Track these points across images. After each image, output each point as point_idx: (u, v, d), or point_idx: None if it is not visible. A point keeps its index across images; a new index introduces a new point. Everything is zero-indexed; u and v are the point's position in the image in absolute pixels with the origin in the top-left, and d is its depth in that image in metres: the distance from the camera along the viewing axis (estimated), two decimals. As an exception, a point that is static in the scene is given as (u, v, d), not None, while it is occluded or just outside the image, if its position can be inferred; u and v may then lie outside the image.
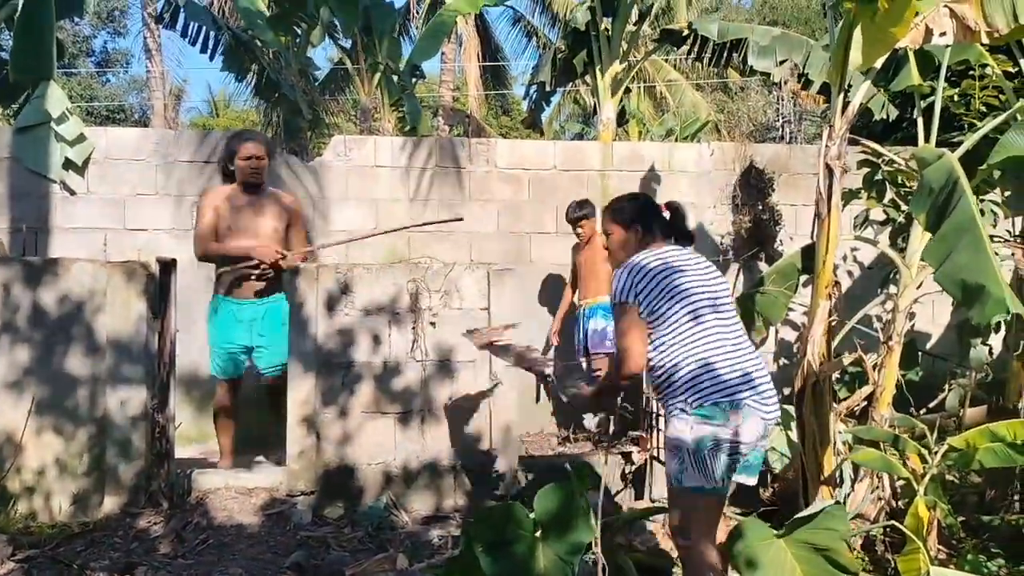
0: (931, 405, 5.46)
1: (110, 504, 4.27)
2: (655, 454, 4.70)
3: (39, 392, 4.25)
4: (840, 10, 3.85)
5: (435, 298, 4.58)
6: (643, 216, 3.30)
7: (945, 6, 3.86)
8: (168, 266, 4.28)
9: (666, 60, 19.21)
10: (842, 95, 3.94)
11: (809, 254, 4.29)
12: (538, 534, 2.97)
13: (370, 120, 10.09)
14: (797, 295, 5.04)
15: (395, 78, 10.25)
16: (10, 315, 4.23)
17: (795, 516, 3.09)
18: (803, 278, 4.92)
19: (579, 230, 6.28)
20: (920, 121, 4.36)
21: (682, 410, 2.95)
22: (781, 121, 18.87)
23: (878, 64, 3.94)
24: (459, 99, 19.87)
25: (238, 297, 4.74)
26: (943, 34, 3.83)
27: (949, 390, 5.42)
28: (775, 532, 3.11)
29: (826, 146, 3.95)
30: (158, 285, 4.27)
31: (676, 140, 14.55)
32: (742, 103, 24.03)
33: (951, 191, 3.31)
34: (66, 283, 4.28)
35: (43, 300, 4.27)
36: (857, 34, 3.82)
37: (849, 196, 5.09)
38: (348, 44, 10.29)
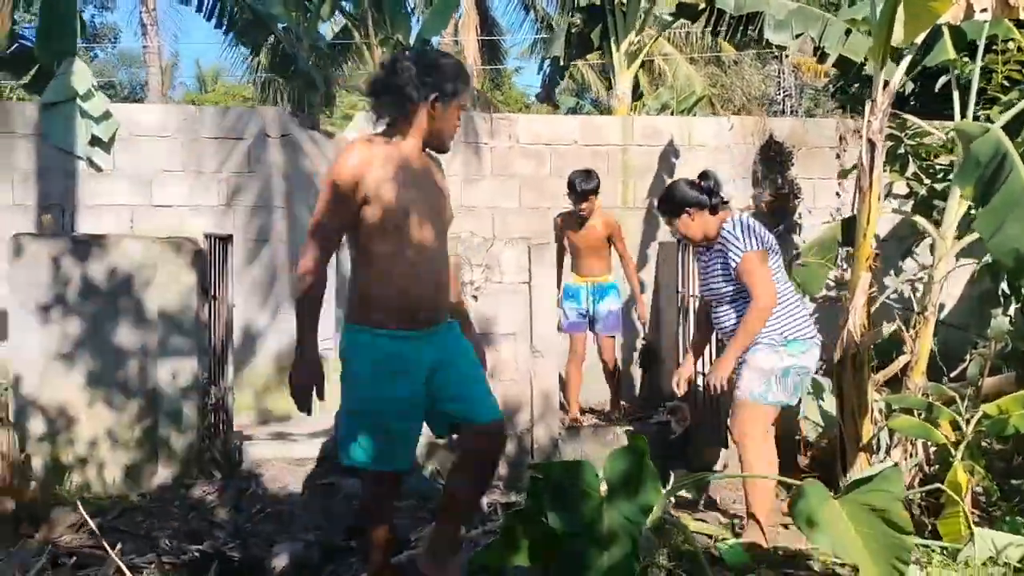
0: (952, 375, 5.58)
1: (163, 475, 4.36)
2: (695, 425, 4.81)
3: (91, 365, 4.31)
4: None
5: (476, 272, 4.65)
6: (693, 198, 3.78)
7: (987, -19, 3.93)
8: (225, 241, 4.32)
9: (653, 31, 19.24)
10: (884, 69, 4.01)
11: (849, 226, 4.38)
12: (604, 494, 3.06)
13: (381, 95, 10.07)
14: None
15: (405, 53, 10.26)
16: (60, 289, 4.28)
17: (853, 480, 3.19)
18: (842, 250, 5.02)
19: (585, 203, 5.72)
20: (956, 96, 4.43)
21: (771, 343, 3.62)
22: (782, 95, 18.98)
23: (919, 40, 4.01)
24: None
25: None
26: (984, 10, 3.91)
27: (970, 360, 5.54)
28: (832, 495, 3.21)
29: (868, 120, 4.03)
30: (214, 259, 4.31)
31: (672, 114, 14.59)
32: (736, 77, 24.05)
33: (1000, 164, 3.40)
34: (115, 258, 4.33)
35: (92, 275, 4.32)
36: (900, 10, 3.88)
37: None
38: (356, 18, 10.29)
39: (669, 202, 3.81)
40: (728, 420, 4.50)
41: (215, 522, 3.93)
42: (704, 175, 3.84)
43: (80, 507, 3.30)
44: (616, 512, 3.05)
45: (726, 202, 3.85)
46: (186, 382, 4.36)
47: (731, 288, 3.73)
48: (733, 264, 3.65)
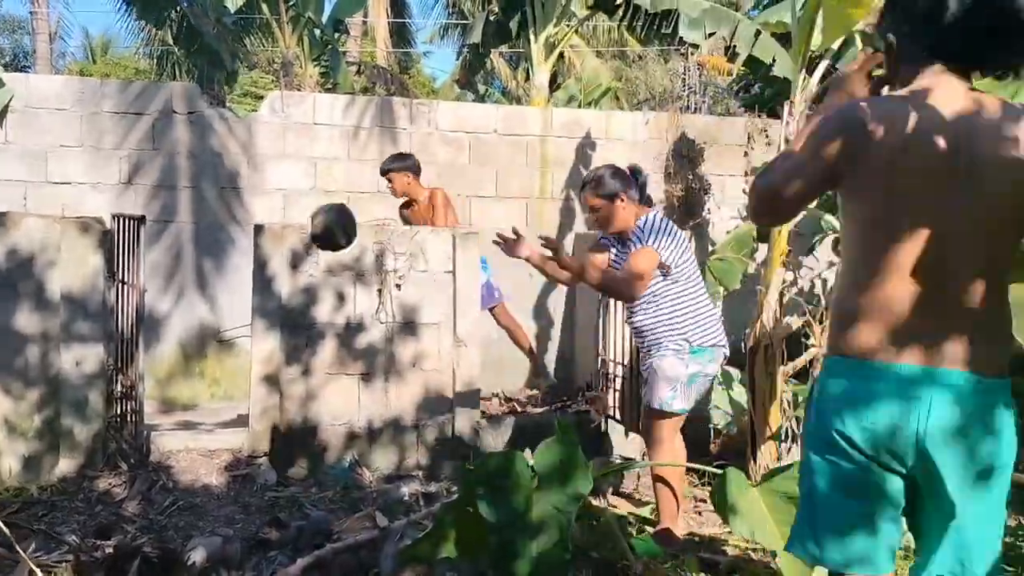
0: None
1: (65, 466, 4.14)
2: (611, 414, 4.89)
3: (-13, 351, 4.05)
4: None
5: (400, 260, 4.60)
6: (629, 186, 3.74)
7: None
8: (137, 222, 4.12)
9: (569, 25, 19.42)
10: (803, 73, 4.16)
11: (765, 223, 4.52)
12: (535, 484, 3.08)
13: (292, 74, 9.83)
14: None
15: (317, 32, 10.03)
16: (-46, 270, 4.00)
17: (770, 469, 3.31)
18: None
19: (389, 185, 5.73)
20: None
21: (677, 350, 3.59)
22: (687, 91, 19.50)
23: (835, 45, 4.17)
24: (367, 55, 19.46)
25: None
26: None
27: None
28: (751, 483, 3.33)
29: (786, 122, 4.17)
30: (122, 241, 4.11)
31: (579, 106, 14.74)
32: (640, 71, 24.48)
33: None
34: (15, 238, 4.07)
35: (-10, 255, 4.05)
36: (819, 15, 4.03)
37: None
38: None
39: (604, 186, 3.69)
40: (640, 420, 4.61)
41: (124, 516, 3.77)
42: (636, 170, 3.87)
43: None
44: (546, 502, 3.08)
45: (651, 201, 3.92)
46: (91, 369, 4.15)
47: None
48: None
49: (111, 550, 3.06)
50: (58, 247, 4.10)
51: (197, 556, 3.16)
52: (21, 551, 2.80)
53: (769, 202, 1.79)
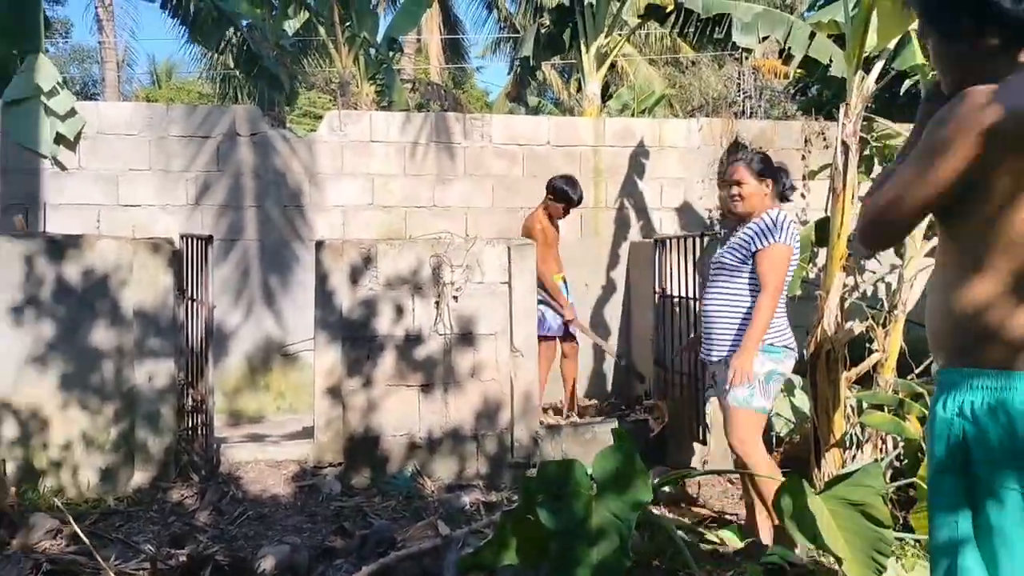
0: (920, 371, 5.73)
1: (140, 478, 4.30)
2: (672, 423, 4.87)
3: (65, 367, 4.23)
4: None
5: (457, 272, 4.67)
6: (777, 179, 3.82)
7: (956, -11, 4.04)
8: (205, 242, 4.28)
9: (620, 34, 19.39)
10: (859, 74, 4.11)
11: (823, 227, 4.48)
12: (594, 492, 3.10)
13: (349, 93, 10.03)
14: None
15: (372, 51, 10.22)
16: (34, 290, 4.20)
17: (833, 475, 3.27)
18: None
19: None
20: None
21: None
22: (742, 96, 19.29)
23: (892, 44, 4.11)
24: (421, 72, 19.75)
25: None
26: (953, 16, 4.01)
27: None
28: (814, 490, 3.29)
29: (842, 124, 4.12)
30: (192, 260, 4.26)
31: (633, 114, 14.70)
32: (694, 78, 24.32)
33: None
34: (90, 259, 4.26)
35: (67, 276, 4.24)
36: (873, 17, 3.98)
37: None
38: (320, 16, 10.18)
39: (761, 165, 3.76)
40: (707, 419, 4.59)
41: (196, 525, 3.90)
42: (784, 169, 3.94)
43: (66, 514, 3.24)
44: (605, 509, 3.10)
45: (789, 198, 3.96)
46: (163, 383, 4.31)
47: (738, 268, 3.69)
48: (759, 247, 3.61)
49: (185, 558, 3.17)
50: (131, 267, 4.28)
51: (266, 564, 3.25)
52: (101, 560, 2.92)
53: (885, 223, 1.62)
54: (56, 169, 6.40)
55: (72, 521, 3.13)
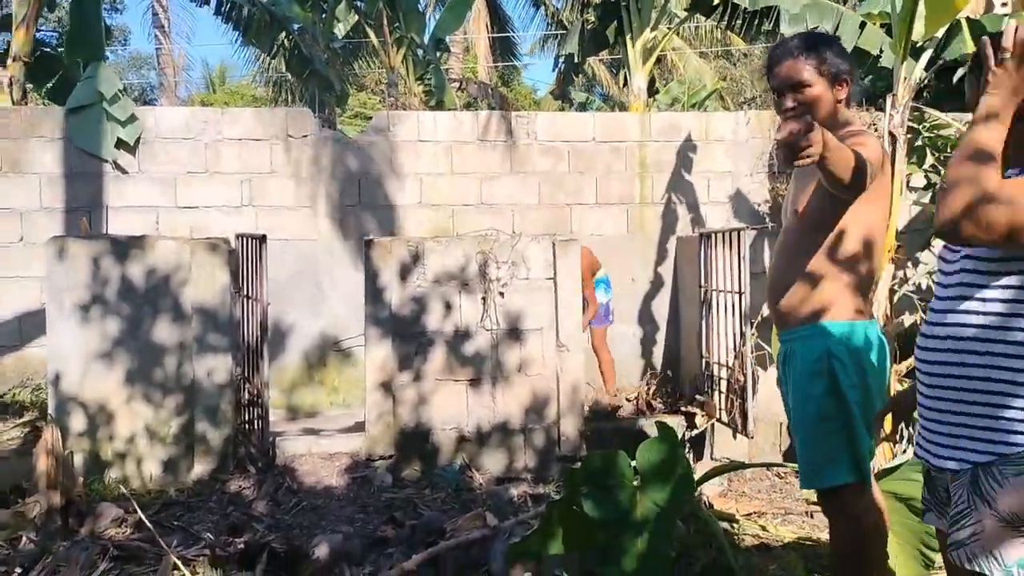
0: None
1: (200, 470, 4.46)
2: (720, 417, 4.88)
3: (129, 362, 4.41)
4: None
5: (503, 268, 4.74)
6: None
7: (1005, -25, 3.98)
8: (259, 241, 4.42)
9: (669, 27, 19.23)
10: (905, 64, 4.07)
11: (871, 219, 4.44)
12: (637, 483, 3.14)
13: (397, 94, 10.19)
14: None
15: (420, 52, 10.36)
16: (99, 289, 4.39)
17: (879, 469, 3.26)
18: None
19: None
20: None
21: None
22: (793, 88, 19.05)
23: (939, 33, 4.06)
24: (469, 70, 19.88)
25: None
26: (1004, 3, 3.96)
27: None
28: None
29: (890, 114, 4.09)
30: (247, 258, 4.41)
31: (683, 108, 14.60)
32: (746, 70, 24.02)
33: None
34: (152, 258, 4.43)
35: (130, 275, 4.42)
36: (920, 5, 3.94)
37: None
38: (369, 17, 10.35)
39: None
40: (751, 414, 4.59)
41: (253, 515, 4.03)
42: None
43: (133, 503, 3.39)
44: (649, 500, 3.13)
45: None
46: (221, 378, 4.46)
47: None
48: None
49: (242, 546, 3.30)
50: (189, 266, 4.44)
51: (321, 551, 3.36)
52: (164, 545, 3.06)
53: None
54: (117, 173, 6.65)
55: (138, 509, 3.27)
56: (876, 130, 6.93)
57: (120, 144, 6.58)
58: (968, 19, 4.48)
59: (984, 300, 1.52)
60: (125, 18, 45.77)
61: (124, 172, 6.67)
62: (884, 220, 2.32)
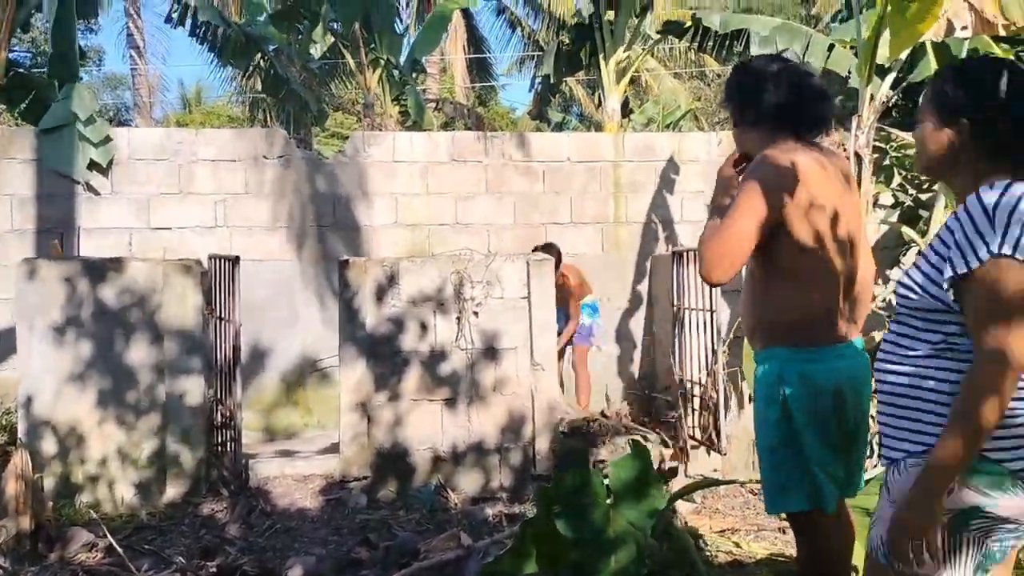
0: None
1: (172, 492, 4.43)
2: (691, 434, 4.92)
3: (101, 385, 4.38)
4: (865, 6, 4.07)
5: (478, 288, 4.76)
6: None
7: (965, 1, 4.09)
8: (232, 263, 4.41)
9: (643, 49, 19.43)
10: (869, 87, 4.16)
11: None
12: (611, 501, 3.16)
13: (373, 115, 10.22)
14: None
15: (396, 72, 10.41)
16: (72, 311, 4.36)
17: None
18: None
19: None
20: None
21: None
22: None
23: (903, 56, 4.16)
24: (446, 91, 19.97)
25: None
26: (964, 27, 4.07)
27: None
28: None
29: (855, 135, 4.17)
30: (220, 280, 4.40)
31: (658, 128, 14.76)
32: (719, 90, 24.34)
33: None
34: (124, 280, 4.41)
35: (102, 296, 4.40)
36: (885, 30, 4.04)
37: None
38: (346, 39, 10.39)
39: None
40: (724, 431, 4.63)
41: (226, 538, 4.00)
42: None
43: (103, 527, 3.36)
44: (622, 518, 3.15)
45: None
46: (194, 401, 4.44)
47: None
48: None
49: (215, 569, 3.28)
50: (162, 288, 4.42)
51: (294, 574, 3.35)
52: (135, 570, 3.03)
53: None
54: (90, 194, 6.61)
55: (108, 534, 3.24)
56: (844, 150, 7.06)
57: (93, 165, 6.56)
58: (932, 42, 4.58)
59: (914, 349, 1.72)
60: (100, 39, 45.60)
61: (97, 193, 6.64)
62: (815, 241, 2.21)
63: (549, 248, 6.14)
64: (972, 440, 1.57)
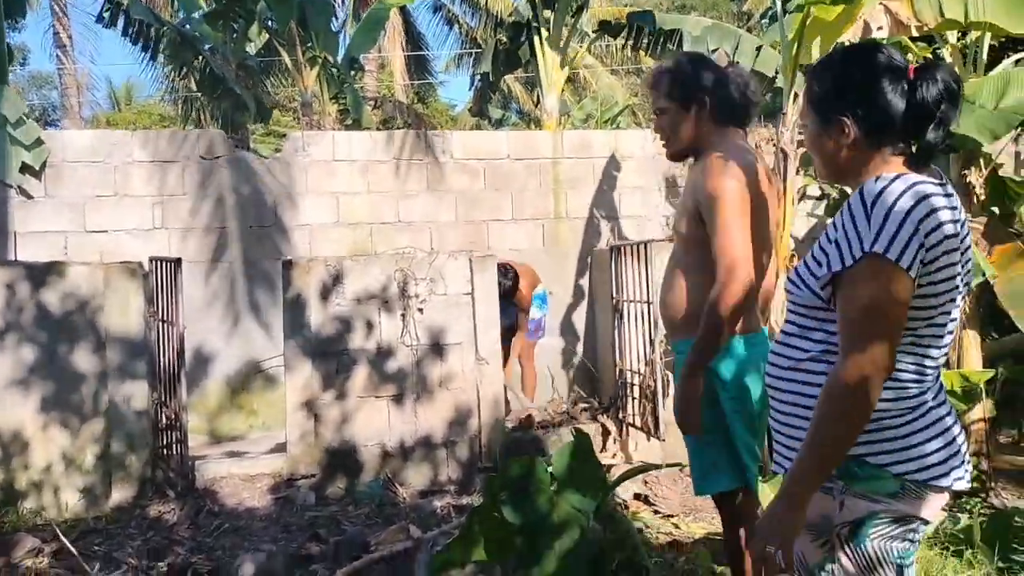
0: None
1: (118, 496, 4.42)
2: (631, 421, 5.07)
3: (44, 390, 4.35)
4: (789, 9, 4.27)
5: (422, 285, 4.84)
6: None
7: (880, 3, 4.32)
8: (174, 264, 4.41)
9: (580, 46, 19.65)
10: (794, 85, 4.36)
11: (767, 230, 4.72)
12: (555, 488, 3.28)
13: (311, 113, 10.18)
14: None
15: (334, 71, 10.37)
16: (13, 316, 4.31)
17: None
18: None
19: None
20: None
21: None
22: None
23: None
24: (385, 87, 19.91)
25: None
26: (879, 28, 4.29)
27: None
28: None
29: (780, 131, 4.37)
30: (162, 282, 4.40)
31: (597, 124, 14.97)
32: (657, 86, 24.69)
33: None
34: (65, 284, 4.38)
35: (43, 301, 4.36)
36: (806, 31, 4.24)
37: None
38: (282, 38, 10.31)
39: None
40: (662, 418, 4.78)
41: (175, 539, 4.02)
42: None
43: (56, 528, 3.35)
44: (567, 503, 3.28)
45: None
46: (139, 404, 4.43)
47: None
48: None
49: (166, 568, 3.30)
50: (104, 291, 4.40)
51: (245, 570, 3.39)
52: (88, 570, 3.05)
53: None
54: (23, 198, 6.48)
55: (60, 534, 3.24)
56: (774, 146, 7.32)
57: (25, 168, 6.43)
58: (850, 43, 4.80)
59: (802, 350, 1.67)
60: (24, 37, 44.15)
61: (30, 197, 6.51)
62: (758, 237, 2.36)
63: (506, 272, 5.90)
64: (832, 448, 1.50)
